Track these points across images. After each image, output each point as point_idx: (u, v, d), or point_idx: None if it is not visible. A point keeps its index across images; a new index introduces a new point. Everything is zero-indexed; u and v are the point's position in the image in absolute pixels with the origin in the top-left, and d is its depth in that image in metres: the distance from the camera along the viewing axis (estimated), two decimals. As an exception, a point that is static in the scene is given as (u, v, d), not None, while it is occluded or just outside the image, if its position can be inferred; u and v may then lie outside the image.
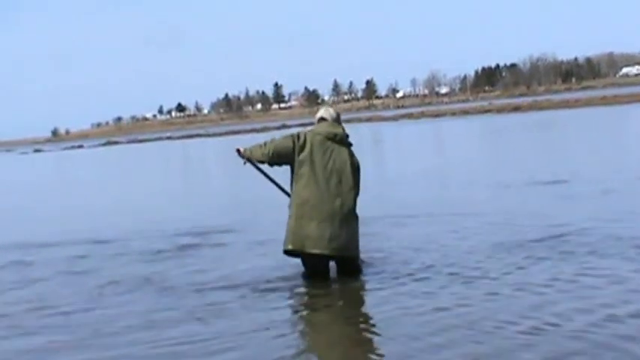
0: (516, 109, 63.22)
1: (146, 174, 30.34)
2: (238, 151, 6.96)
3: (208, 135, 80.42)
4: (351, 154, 6.77)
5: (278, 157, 6.69)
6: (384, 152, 29.01)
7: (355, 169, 6.71)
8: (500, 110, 64.47)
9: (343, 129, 6.85)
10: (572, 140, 25.93)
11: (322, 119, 6.87)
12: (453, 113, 69.62)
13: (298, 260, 6.94)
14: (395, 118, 73.90)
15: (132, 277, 7.89)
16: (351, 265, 6.84)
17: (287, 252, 6.76)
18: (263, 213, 11.85)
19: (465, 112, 68.35)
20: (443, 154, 25.44)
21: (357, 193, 6.74)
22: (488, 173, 15.94)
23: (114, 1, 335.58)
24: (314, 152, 6.62)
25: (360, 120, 78.57)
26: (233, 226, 11.01)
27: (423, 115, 73.64)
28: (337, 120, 6.89)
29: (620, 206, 9.88)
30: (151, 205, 16.23)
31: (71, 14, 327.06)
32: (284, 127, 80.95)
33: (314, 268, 6.75)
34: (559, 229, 8.47)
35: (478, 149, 25.76)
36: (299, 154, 6.62)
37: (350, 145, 6.83)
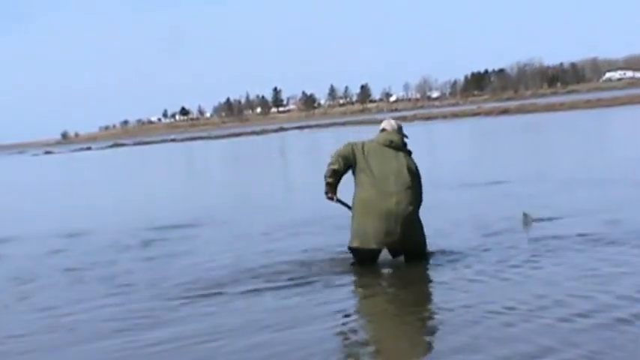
0: (504, 112, 63.22)
1: (147, 175, 30.35)
2: (326, 194, 7.17)
3: (210, 137, 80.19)
4: (408, 159, 7.03)
5: (344, 160, 6.97)
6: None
7: (413, 172, 6.96)
8: (488, 113, 64.50)
9: (402, 138, 7.12)
10: (552, 142, 26.00)
11: (383, 130, 7.19)
12: (444, 116, 69.50)
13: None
14: (388, 121, 73.62)
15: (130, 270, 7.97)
16: (413, 258, 7.05)
17: (351, 249, 7.06)
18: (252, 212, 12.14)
19: (455, 115, 68.24)
20: (426, 156, 25.56)
21: (418, 194, 7.00)
22: (464, 174, 15.98)
23: (122, 10, 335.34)
24: (372, 157, 6.91)
25: (354, 123, 78.48)
26: (224, 222, 11.25)
27: (415, 118, 73.49)
28: (398, 130, 7.16)
29: (573, 204, 10.06)
30: (148, 203, 16.28)
31: (80, 22, 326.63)
32: (281, 129, 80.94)
33: (363, 261, 7.01)
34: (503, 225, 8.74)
35: (461, 151, 25.89)
36: (359, 160, 6.93)
37: (408, 151, 7.11)
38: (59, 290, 7.32)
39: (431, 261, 7.17)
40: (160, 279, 7.38)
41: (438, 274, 6.73)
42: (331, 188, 7.09)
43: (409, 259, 7.06)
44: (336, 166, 6.99)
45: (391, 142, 7.02)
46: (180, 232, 10.50)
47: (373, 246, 6.85)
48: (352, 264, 7.11)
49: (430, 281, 6.64)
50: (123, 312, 6.23)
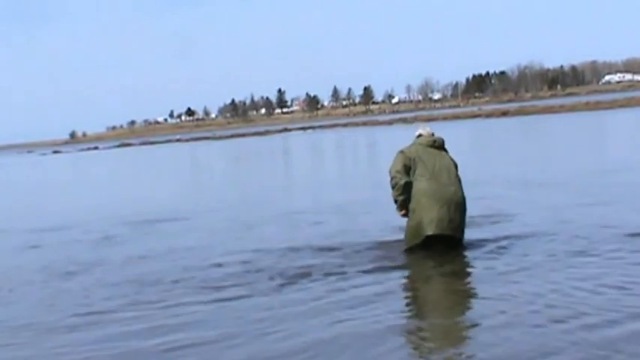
0: (504, 114, 62.98)
1: (146, 174, 30.44)
2: (400, 211, 7.45)
3: (215, 138, 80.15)
4: (450, 156, 7.53)
5: (406, 169, 7.26)
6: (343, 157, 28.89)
7: (456, 166, 7.48)
8: (489, 115, 64.22)
9: (442, 138, 7.58)
10: (540, 144, 25.74)
11: (420, 135, 7.63)
12: (445, 118, 69.24)
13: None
14: (390, 123, 73.43)
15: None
16: (458, 243, 7.41)
17: (413, 244, 7.29)
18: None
19: (456, 117, 67.94)
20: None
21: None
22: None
23: (130, 13, 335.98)
24: (422, 157, 7.34)
25: (357, 124, 78.36)
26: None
27: (416, 119, 73.29)
28: (431, 134, 7.63)
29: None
30: (136, 201, 16.55)
31: (90, 26, 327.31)
32: (285, 130, 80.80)
33: (419, 247, 7.26)
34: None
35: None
36: (414, 161, 7.29)
37: (446, 150, 7.57)
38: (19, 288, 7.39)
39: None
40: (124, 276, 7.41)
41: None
42: (405, 205, 7.31)
43: (454, 244, 7.31)
44: (405, 179, 7.24)
45: (434, 142, 7.51)
46: (159, 227, 10.90)
47: (437, 232, 7.12)
48: (405, 251, 7.36)
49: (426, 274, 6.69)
50: (65, 317, 6.09)
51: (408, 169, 7.27)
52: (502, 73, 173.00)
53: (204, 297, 6.34)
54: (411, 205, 7.26)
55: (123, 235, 10.45)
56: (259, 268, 7.26)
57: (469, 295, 5.99)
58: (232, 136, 79.94)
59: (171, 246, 9.01)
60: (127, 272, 7.64)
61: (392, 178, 7.32)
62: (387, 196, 7.67)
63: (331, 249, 7.94)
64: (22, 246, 10.27)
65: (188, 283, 6.87)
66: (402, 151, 7.40)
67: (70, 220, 12.90)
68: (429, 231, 7.14)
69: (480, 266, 6.78)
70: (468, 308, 5.59)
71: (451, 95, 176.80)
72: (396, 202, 7.37)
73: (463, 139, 34.21)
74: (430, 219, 7.13)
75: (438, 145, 7.50)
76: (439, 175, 7.24)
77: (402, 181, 7.23)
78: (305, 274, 6.81)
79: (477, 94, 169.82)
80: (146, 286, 6.87)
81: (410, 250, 7.34)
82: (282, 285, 6.52)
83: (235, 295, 6.33)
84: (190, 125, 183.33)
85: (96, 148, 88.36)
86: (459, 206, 7.23)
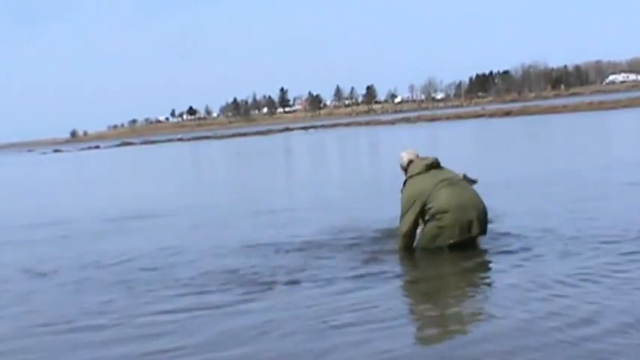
0: (507, 114, 62.85)
1: (145, 173, 30.45)
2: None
3: (217, 137, 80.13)
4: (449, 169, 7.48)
5: (416, 218, 7.16)
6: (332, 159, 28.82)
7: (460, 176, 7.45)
8: (492, 115, 64.07)
9: (435, 158, 7.51)
10: (533, 145, 25.73)
11: (411, 161, 7.46)
12: (448, 118, 69.13)
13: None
14: (392, 122, 73.24)
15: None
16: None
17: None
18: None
19: (459, 117, 67.79)
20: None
21: None
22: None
23: (131, 12, 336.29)
24: (431, 180, 7.16)
25: (359, 124, 78.29)
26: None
27: (419, 119, 73.24)
28: (417, 155, 7.55)
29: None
30: (122, 199, 16.70)
31: (91, 25, 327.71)
32: (286, 129, 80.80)
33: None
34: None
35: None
36: (428, 189, 7.11)
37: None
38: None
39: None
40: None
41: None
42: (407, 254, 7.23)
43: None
44: (409, 237, 7.19)
45: (432, 163, 7.37)
46: (142, 224, 11.13)
47: (473, 234, 7.10)
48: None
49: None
50: (32, 324, 5.94)
51: (422, 214, 7.15)
52: (505, 72, 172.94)
53: (180, 301, 6.15)
54: (438, 213, 7.08)
55: (104, 233, 10.57)
56: (239, 268, 7.10)
57: (468, 294, 5.89)
58: (234, 135, 79.94)
59: (151, 245, 8.91)
60: (97, 273, 7.55)
61: (403, 236, 7.20)
62: (384, 194, 7.56)
63: (322, 246, 7.84)
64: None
65: (160, 285, 6.71)
66: (412, 196, 7.15)
67: (60, 217, 13.08)
68: (451, 240, 7.08)
69: (477, 265, 6.72)
70: (469, 307, 5.50)
71: (454, 95, 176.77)
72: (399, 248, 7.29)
73: (464, 139, 34.31)
74: (462, 225, 7.05)
75: (437, 165, 7.41)
76: (455, 185, 7.15)
77: (411, 243, 7.23)
78: (289, 273, 6.68)
79: (480, 94, 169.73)
80: (120, 288, 6.74)
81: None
82: (265, 286, 6.34)
83: (217, 296, 6.18)
84: (192, 124, 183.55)
85: (97, 147, 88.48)
86: (483, 208, 7.18)
